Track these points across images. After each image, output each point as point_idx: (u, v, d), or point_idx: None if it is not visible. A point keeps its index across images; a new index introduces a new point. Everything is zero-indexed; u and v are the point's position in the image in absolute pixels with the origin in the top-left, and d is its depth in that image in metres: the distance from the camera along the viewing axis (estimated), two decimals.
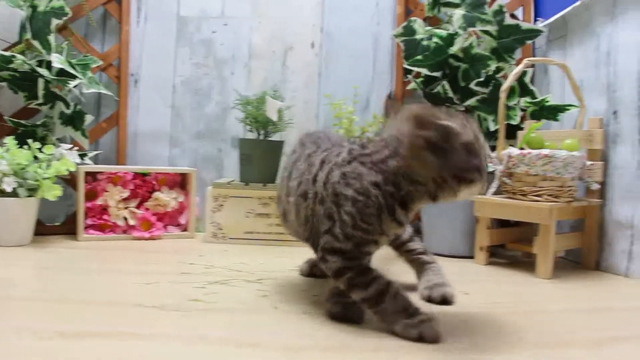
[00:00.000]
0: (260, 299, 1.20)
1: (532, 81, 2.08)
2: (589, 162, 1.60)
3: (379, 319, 0.99)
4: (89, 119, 1.94)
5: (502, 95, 1.56)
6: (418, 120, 0.92)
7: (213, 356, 0.86)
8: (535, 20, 2.09)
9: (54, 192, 1.70)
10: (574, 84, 1.57)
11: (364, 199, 0.97)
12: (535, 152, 1.49)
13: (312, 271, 1.43)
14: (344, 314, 1.06)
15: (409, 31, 1.96)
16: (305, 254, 1.42)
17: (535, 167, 1.50)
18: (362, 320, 1.04)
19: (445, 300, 1.16)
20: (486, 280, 1.48)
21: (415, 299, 1.08)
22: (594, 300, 1.30)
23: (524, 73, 1.85)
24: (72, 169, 1.74)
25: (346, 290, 1.00)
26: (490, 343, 0.96)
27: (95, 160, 2.09)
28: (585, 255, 1.65)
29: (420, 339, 0.93)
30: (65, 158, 1.75)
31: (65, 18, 1.85)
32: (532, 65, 1.98)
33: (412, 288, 1.23)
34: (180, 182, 2.04)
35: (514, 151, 1.52)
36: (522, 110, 1.86)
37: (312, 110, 2.17)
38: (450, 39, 1.86)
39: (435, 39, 1.86)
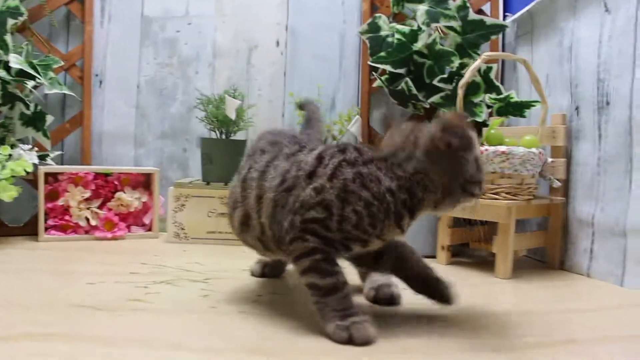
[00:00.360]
0: (201, 298, 1.18)
1: (501, 78, 2.07)
2: (550, 159, 1.57)
3: (317, 311, 0.96)
4: (50, 119, 1.92)
5: (460, 91, 1.54)
6: (446, 124, 0.94)
7: (128, 357, 0.83)
8: (505, 16, 2.07)
9: (9, 193, 1.67)
10: (535, 79, 1.55)
11: (378, 204, 0.95)
12: (492, 149, 1.46)
13: (263, 272, 1.40)
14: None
15: (373, 28, 1.94)
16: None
17: (493, 164, 1.47)
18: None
19: (391, 301, 1.14)
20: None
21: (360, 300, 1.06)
22: (547, 301, 1.27)
23: (489, 69, 1.83)
24: (29, 170, 1.71)
25: (302, 271, 0.98)
26: (428, 345, 0.93)
27: (61, 160, 2.07)
28: (550, 255, 1.63)
29: (349, 341, 0.90)
30: (23, 159, 1.73)
31: (21, 18, 1.82)
32: (496, 61, 1.95)
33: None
34: (144, 182, 2.02)
35: None
36: (489, 107, 1.84)
37: (277, 109, 2.15)
38: (413, 35, 1.83)
39: (397, 36, 1.83)
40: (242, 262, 1.54)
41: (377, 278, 1.18)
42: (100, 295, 1.17)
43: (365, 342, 0.91)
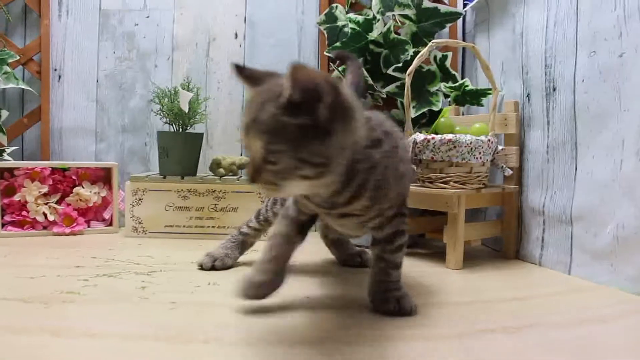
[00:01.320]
0: (137, 290, 1.17)
1: (462, 66, 2.06)
2: (501, 147, 1.57)
3: (396, 288, 1.05)
4: (5, 114, 1.91)
5: (407, 78, 1.53)
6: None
7: (48, 346, 0.83)
8: (465, 4, 2.06)
9: None
10: (484, 65, 1.54)
11: None
12: (439, 137, 1.45)
13: (212, 265, 1.39)
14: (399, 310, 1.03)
15: (331, 18, 1.93)
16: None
17: (440, 152, 1.46)
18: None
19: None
20: None
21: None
22: (492, 290, 1.26)
23: (444, 57, 1.82)
24: None
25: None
26: (370, 335, 0.93)
27: (21, 156, 2.06)
28: (505, 244, 1.62)
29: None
30: None
31: None
32: (453, 49, 1.94)
33: None
34: (104, 177, 2.01)
35: (419, 137, 1.48)
36: (447, 96, 1.83)
37: (237, 102, 2.14)
38: (368, 25, 1.83)
39: (352, 25, 1.82)
40: (193, 255, 1.54)
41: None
42: (35, 289, 1.16)
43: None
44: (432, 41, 1.52)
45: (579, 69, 1.33)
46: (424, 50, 1.52)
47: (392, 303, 1.02)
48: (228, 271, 1.39)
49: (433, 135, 1.46)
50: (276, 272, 1.03)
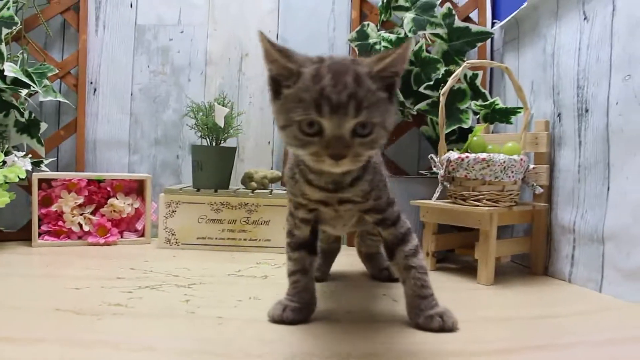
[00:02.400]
0: (181, 303, 1.20)
1: (490, 85, 2.09)
2: (532, 166, 1.59)
3: (425, 297, 1.07)
4: (44, 127, 1.96)
5: (442, 98, 1.56)
6: None
7: (93, 358, 0.86)
8: (493, 23, 2.09)
9: (2, 199, 1.71)
10: (517, 86, 1.57)
11: (290, 160, 1.08)
12: (472, 156, 1.48)
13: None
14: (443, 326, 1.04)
15: (362, 36, 1.97)
16: (253, 259, 1.43)
17: (474, 171, 1.49)
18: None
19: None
20: None
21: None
22: (523, 307, 1.28)
23: (475, 76, 1.85)
24: (22, 176, 1.75)
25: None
26: (390, 349, 0.95)
27: (56, 167, 2.11)
28: (534, 261, 1.64)
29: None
30: (16, 165, 1.77)
31: (15, 28, 1.86)
32: (483, 69, 1.97)
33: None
34: (137, 189, 2.05)
35: (453, 155, 1.51)
36: (476, 113, 1.86)
37: (268, 117, 2.17)
38: (399, 43, 1.85)
39: (384, 43, 1.86)
40: (228, 267, 1.57)
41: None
42: (83, 300, 1.19)
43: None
44: (467, 61, 1.56)
45: (612, 91, 1.35)
46: (458, 71, 1.55)
47: (435, 320, 1.03)
48: (267, 285, 1.42)
49: (467, 154, 1.49)
50: (306, 302, 1.11)
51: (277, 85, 0.90)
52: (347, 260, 1.62)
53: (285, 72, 0.88)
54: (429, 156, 1.62)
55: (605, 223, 1.37)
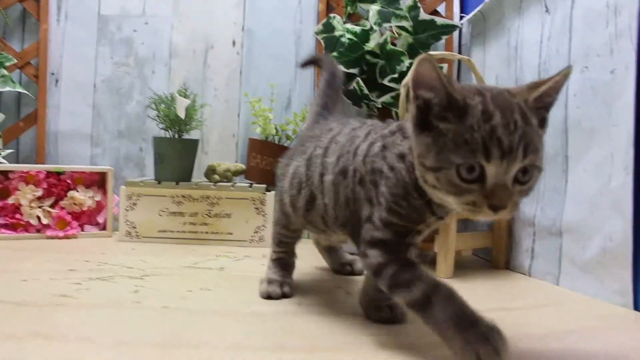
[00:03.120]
0: (130, 294, 1.17)
1: (457, 79, 2.08)
2: None
3: (432, 329, 0.80)
4: (1, 117, 1.92)
5: (402, 90, 1.54)
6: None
7: (33, 349, 0.83)
8: (461, 17, 2.08)
9: None
10: (479, 77, 1.56)
11: (392, 176, 0.85)
12: None
13: (283, 292, 1.20)
14: (392, 317, 1.00)
15: (328, 28, 1.95)
16: (214, 252, 1.43)
17: None
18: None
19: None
20: None
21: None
22: (478, 300, 1.27)
23: (439, 68, 1.83)
24: None
25: (388, 291, 0.86)
26: (345, 341, 0.93)
27: (16, 159, 2.07)
28: (495, 254, 1.63)
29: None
30: None
31: None
32: (449, 62, 1.96)
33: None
34: (99, 182, 2.01)
35: None
36: None
37: (233, 109, 2.15)
38: (364, 35, 1.84)
39: (349, 36, 1.84)
40: (186, 260, 1.55)
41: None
42: (29, 292, 1.16)
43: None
44: (428, 53, 1.54)
45: (571, 84, 1.35)
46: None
47: (384, 311, 1.01)
48: (221, 277, 1.39)
49: None
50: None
51: (426, 115, 0.75)
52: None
53: (445, 103, 0.73)
54: None
55: (563, 216, 1.37)
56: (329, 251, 1.49)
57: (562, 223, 1.37)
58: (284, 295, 1.18)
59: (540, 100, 0.75)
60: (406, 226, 0.86)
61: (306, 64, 1.53)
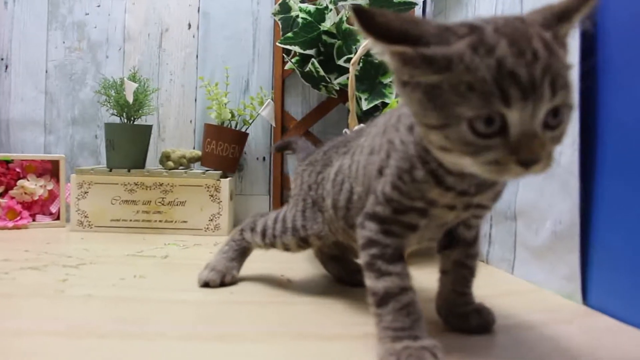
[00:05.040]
0: (57, 283, 1.11)
1: None
2: None
3: (375, 322, 0.73)
4: None
5: (351, 68, 1.49)
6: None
7: None
8: None
9: None
10: None
11: (401, 149, 0.72)
12: None
13: (222, 281, 1.13)
14: (482, 324, 0.87)
15: (284, 8, 1.89)
16: (165, 240, 1.43)
17: None
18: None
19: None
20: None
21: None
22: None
23: None
24: None
25: (363, 267, 0.76)
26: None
27: None
28: None
29: None
30: None
31: None
32: None
33: None
34: (51, 170, 1.95)
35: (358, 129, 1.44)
36: None
37: (190, 94, 2.08)
38: (319, 14, 1.78)
39: (302, 15, 1.78)
40: (133, 247, 1.51)
41: None
42: None
43: None
44: None
45: None
46: (367, 40, 1.47)
47: (473, 317, 0.86)
48: (162, 265, 1.34)
49: None
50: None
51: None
52: None
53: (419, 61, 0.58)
54: (344, 131, 1.55)
55: (517, 198, 1.31)
56: (337, 260, 1.28)
57: (516, 206, 1.32)
58: (223, 285, 1.12)
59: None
60: (405, 204, 0.73)
61: (281, 148, 1.42)
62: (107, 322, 0.86)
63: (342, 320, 0.91)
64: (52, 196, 1.94)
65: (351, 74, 1.48)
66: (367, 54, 1.73)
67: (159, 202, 1.80)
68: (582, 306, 1.02)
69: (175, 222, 1.80)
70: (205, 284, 1.10)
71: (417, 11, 2.02)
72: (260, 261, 1.31)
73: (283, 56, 1.99)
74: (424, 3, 2.00)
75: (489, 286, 1.21)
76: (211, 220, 1.80)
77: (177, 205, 1.80)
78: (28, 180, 1.89)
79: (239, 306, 0.98)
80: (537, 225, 1.21)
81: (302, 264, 1.39)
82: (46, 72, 2.07)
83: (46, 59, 2.07)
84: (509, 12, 1.37)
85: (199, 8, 2.08)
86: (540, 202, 1.21)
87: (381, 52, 0.60)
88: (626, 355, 0.77)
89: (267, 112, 1.88)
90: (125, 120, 1.83)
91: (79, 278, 1.16)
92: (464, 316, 0.86)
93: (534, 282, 1.21)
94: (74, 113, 2.08)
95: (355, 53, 1.69)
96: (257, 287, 1.14)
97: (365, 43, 1.47)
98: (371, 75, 1.75)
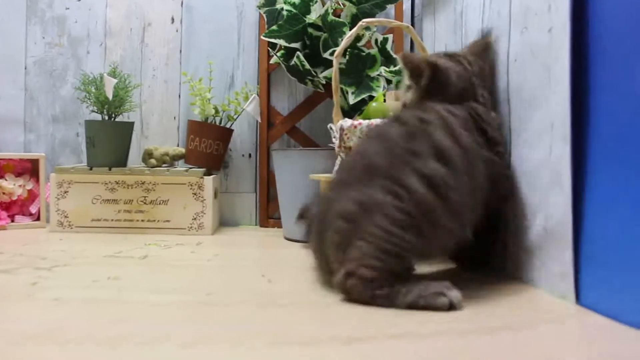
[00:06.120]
0: (26, 287, 1.06)
1: (411, 50, 1.98)
2: None
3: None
4: None
5: (335, 61, 1.44)
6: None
7: None
8: None
9: None
10: (420, 46, 1.45)
11: None
12: (366, 122, 1.36)
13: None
14: None
15: (270, 1, 1.84)
16: (147, 240, 1.41)
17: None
18: None
19: None
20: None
21: None
22: None
23: (385, 40, 1.73)
24: None
25: None
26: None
27: None
28: None
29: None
30: None
31: None
32: (398, 32, 1.86)
33: None
34: (31, 169, 1.90)
35: (346, 123, 1.39)
36: (389, 81, 1.74)
37: (173, 90, 2.03)
38: (305, 6, 1.73)
39: (287, 7, 1.73)
40: (111, 249, 1.46)
41: None
42: None
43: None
44: (363, 20, 1.43)
45: (512, 48, 1.25)
46: (352, 30, 1.42)
47: None
48: (139, 265, 1.29)
49: (360, 121, 1.37)
50: None
51: None
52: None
53: None
54: (328, 126, 1.50)
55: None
56: None
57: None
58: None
59: None
60: None
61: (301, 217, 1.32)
62: (71, 327, 0.81)
63: (329, 322, 0.86)
64: (32, 196, 1.88)
65: (335, 67, 1.43)
66: (353, 46, 1.68)
67: (141, 201, 1.75)
68: (576, 305, 0.97)
69: (158, 221, 1.75)
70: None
71: (406, 4, 1.98)
72: (239, 259, 1.27)
73: (268, 50, 1.94)
74: None
75: (479, 286, 1.16)
76: (195, 219, 1.75)
77: (159, 204, 1.75)
78: (6, 179, 1.84)
79: (216, 308, 0.93)
80: (528, 221, 1.17)
81: (282, 264, 1.34)
82: (25, 68, 2.01)
83: (25, 55, 2.01)
84: (497, 0, 1.32)
85: (182, 2, 2.02)
86: (531, 198, 1.16)
87: None
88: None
89: (252, 107, 1.83)
90: (106, 117, 1.78)
91: (49, 281, 1.11)
92: None
93: (524, 281, 1.16)
94: (55, 110, 2.02)
95: None
96: (235, 287, 1.09)
97: (349, 34, 1.42)
98: (358, 68, 1.71)
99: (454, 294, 0.91)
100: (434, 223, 0.93)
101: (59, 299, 0.98)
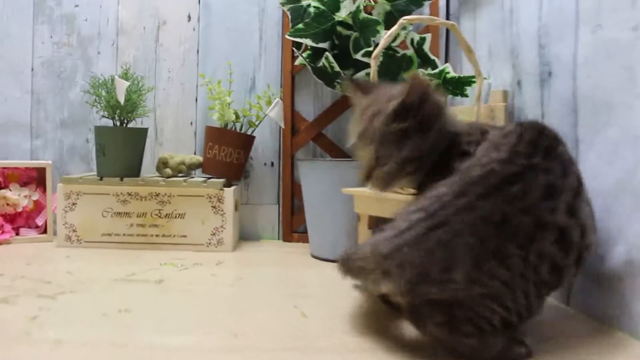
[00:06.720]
0: (25, 322, 0.93)
1: (446, 51, 1.84)
2: None
3: None
4: None
5: (373, 62, 1.29)
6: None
7: None
8: None
9: None
10: (465, 47, 1.29)
11: None
12: None
13: None
14: None
15: None
16: (162, 258, 1.30)
17: None
18: None
19: None
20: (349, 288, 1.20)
21: None
22: None
23: (422, 40, 1.58)
24: None
25: None
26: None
27: None
28: None
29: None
30: None
31: None
32: (433, 31, 1.71)
33: None
34: (37, 178, 1.76)
35: None
36: None
37: (190, 93, 1.89)
38: (334, 3, 1.58)
39: (315, 4, 1.58)
40: (123, 270, 1.32)
41: None
42: None
43: None
44: (403, 18, 1.28)
45: (580, 48, 1.09)
46: (392, 29, 1.27)
47: None
48: (154, 292, 1.14)
49: None
50: None
51: None
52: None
53: None
54: None
55: None
56: None
57: None
58: None
59: None
60: None
61: None
62: None
63: None
64: (38, 207, 1.75)
65: (373, 69, 1.28)
66: (389, 47, 1.53)
67: (156, 215, 1.61)
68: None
69: (174, 236, 1.61)
70: None
71: (441, 1, 1.84)
72: (264, 284, 1.13)
73: (293, 50, 1.80)
74: None
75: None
76: (214, 234, 1.61)
77: (175, 217, 1.61)
78: (10, 190, 1.71)
79: (245, 357, 0.79)
80: (603, 249, 1.01)
81: (313, 289, 1.19)
82: (32, 70, 1.88)
83: (32, 56, 1.88)
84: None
85: None
86: (607, 223, 1.00)
87: None
88: None
89: (275, 112, 1.69)
90: (118, 123, 1.64)
91: (52, 314, 0.98)
92: None
93: (595, 318, 1.00)
94: (63, 115, 1.89)
95: (375, 46, 1.51)
96: (266, 324, 0.94)
97: (390, 32, 1.27)
98: (392, 71, 1.55)
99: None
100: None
101: (60, 340, 0.84)
